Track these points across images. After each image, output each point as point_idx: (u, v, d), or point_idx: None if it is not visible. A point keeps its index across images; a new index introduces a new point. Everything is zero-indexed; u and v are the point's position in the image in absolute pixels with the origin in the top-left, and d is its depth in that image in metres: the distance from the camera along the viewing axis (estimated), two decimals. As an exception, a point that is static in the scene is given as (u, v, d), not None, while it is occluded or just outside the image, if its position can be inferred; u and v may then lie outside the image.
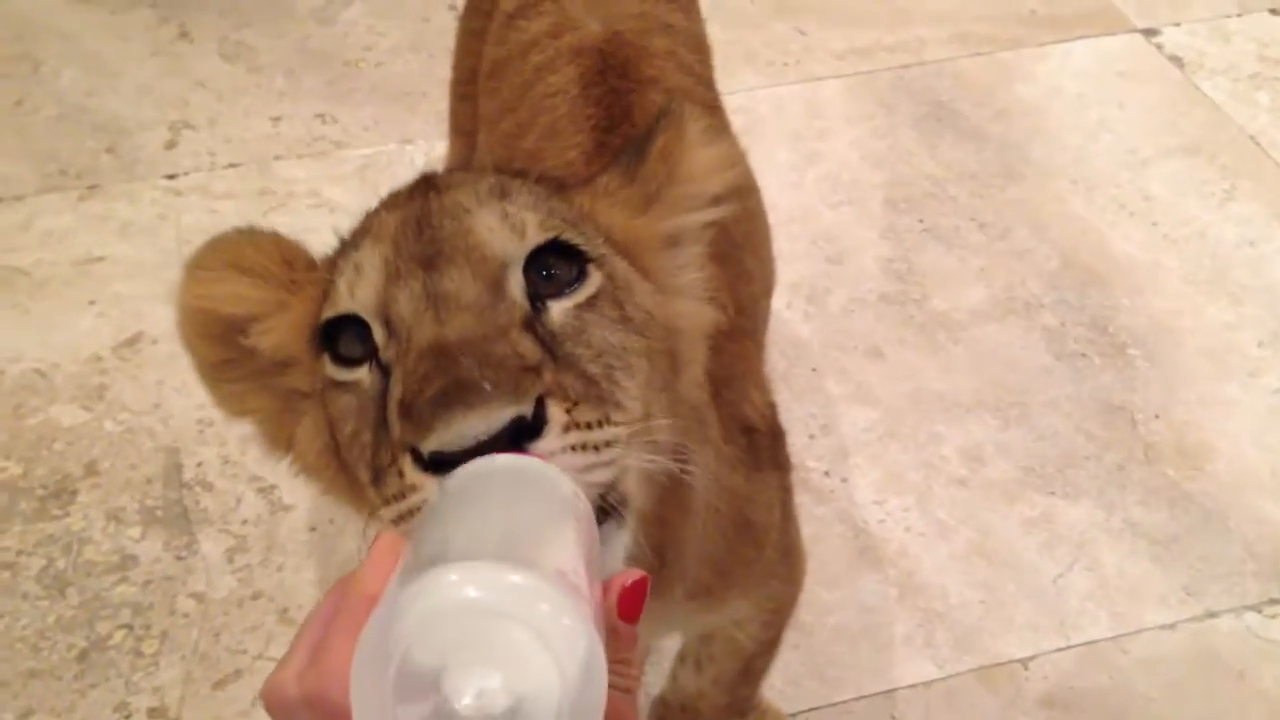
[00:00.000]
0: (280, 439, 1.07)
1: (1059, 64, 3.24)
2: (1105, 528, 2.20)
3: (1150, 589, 2.12)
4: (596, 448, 0.81)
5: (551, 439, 0.79)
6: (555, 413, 0.80)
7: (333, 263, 1.01)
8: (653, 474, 0.95)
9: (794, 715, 1.94)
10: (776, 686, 1.96)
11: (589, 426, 0.81)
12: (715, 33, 3.24)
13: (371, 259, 0.94)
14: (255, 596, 2.08)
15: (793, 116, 3.08)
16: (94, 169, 2.87)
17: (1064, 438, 2.35)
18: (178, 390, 2.38)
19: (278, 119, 3.01)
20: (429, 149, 2.85)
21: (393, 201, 1.01)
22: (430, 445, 0.77)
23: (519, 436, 0.77)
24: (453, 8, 3.26)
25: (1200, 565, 2.15)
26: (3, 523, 2.17)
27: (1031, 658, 2.03)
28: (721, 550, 1.30)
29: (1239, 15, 3.42)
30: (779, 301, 2.58)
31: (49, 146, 2.93)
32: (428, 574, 0.62)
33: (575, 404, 0.82)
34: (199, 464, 2.26)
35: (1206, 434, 2.36)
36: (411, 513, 0.80)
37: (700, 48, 1.80)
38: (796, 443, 2.32)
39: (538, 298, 0.92)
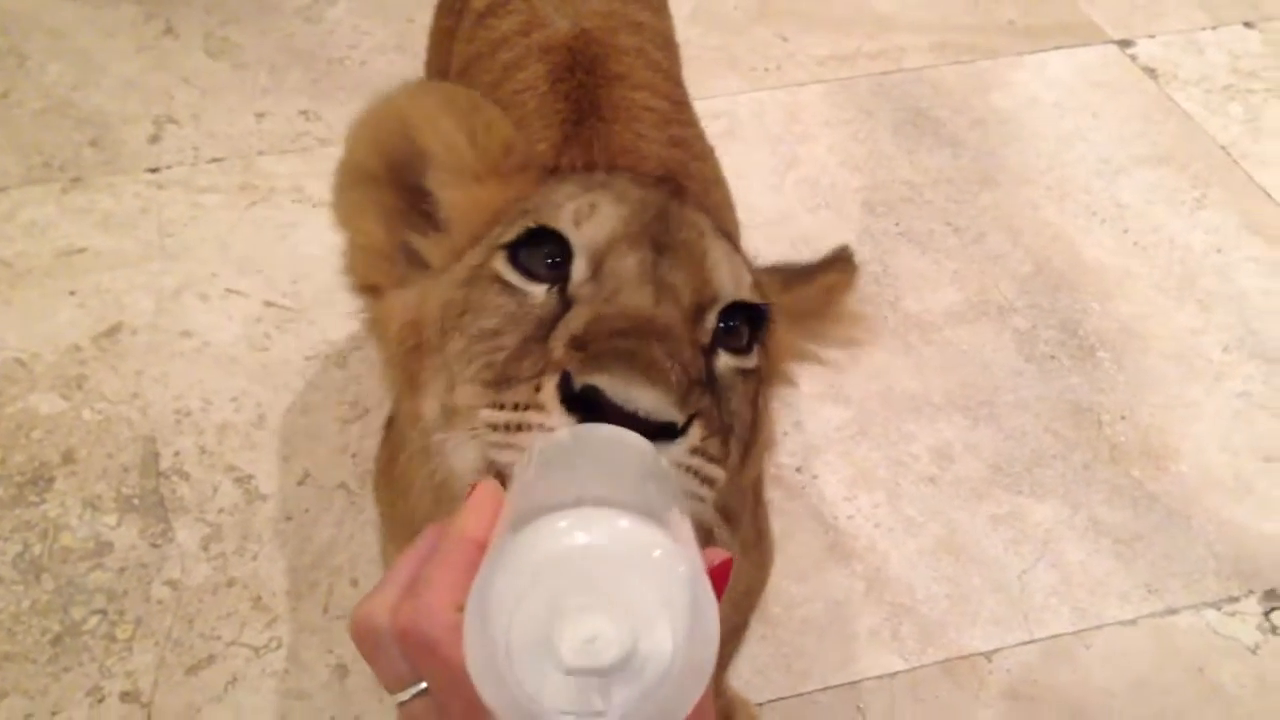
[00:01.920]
0: (363, 275, 1.07)
1: (1035, 73, 3.29)
2: (1070, 525, 2.24)
3: (1113, 585, 2.16)
4: (703, 480, 0.84)
5: (679, 450, 0.81)
6: (694, 431, 0.83)
7: (540, 182, 1.03)
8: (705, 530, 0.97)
9: (761, 705, 1.97)
10: (744, 677, 1.99)
11: (710, 459, 0.84)
12: (697, 37, 3.30)
13: (609, 208, 0.97)
14: (230, 584, 2.10)
15: (773, 121, 3.12)
16: (77, 162, 2.89)
17: (1032, 437, 2.39)
18: (156, 380, 2.40)
19: (261, 115, 3.03)
20: (411, 147, 2.88)
21: (636, 179, 1.05)
22: (596, 381, 0.78)
23: (659, 434, 0.79)
24: (438, 8, 3.29)
25: (1162, 563, 2.19)
26: (-21, 508, 2.18)
27: (995, 651, 2.06)
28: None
29: (1213, 28, 3.47)
30: (754, 301, 2.62)
31: (33, 139, 2.95)
32: (540, 520, 0.61)
33: (710, 435, 0.85)
34: (176, 453, 2.28)
35: (1171, 436, 2.40)
36: (520, 427, 0.81)
37: (668, 45, 1.83)
38: (769, 439, 2.36)
39: (717, 342, 0.96)
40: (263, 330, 2.51)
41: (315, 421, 2.34)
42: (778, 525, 2.20)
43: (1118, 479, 2.32)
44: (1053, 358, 2.54)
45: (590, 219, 0.96)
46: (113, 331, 2.49)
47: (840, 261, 1.18)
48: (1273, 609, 2.13)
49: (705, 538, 1.10)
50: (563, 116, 1.56)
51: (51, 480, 2.24)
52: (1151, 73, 3.30)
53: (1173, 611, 2.13)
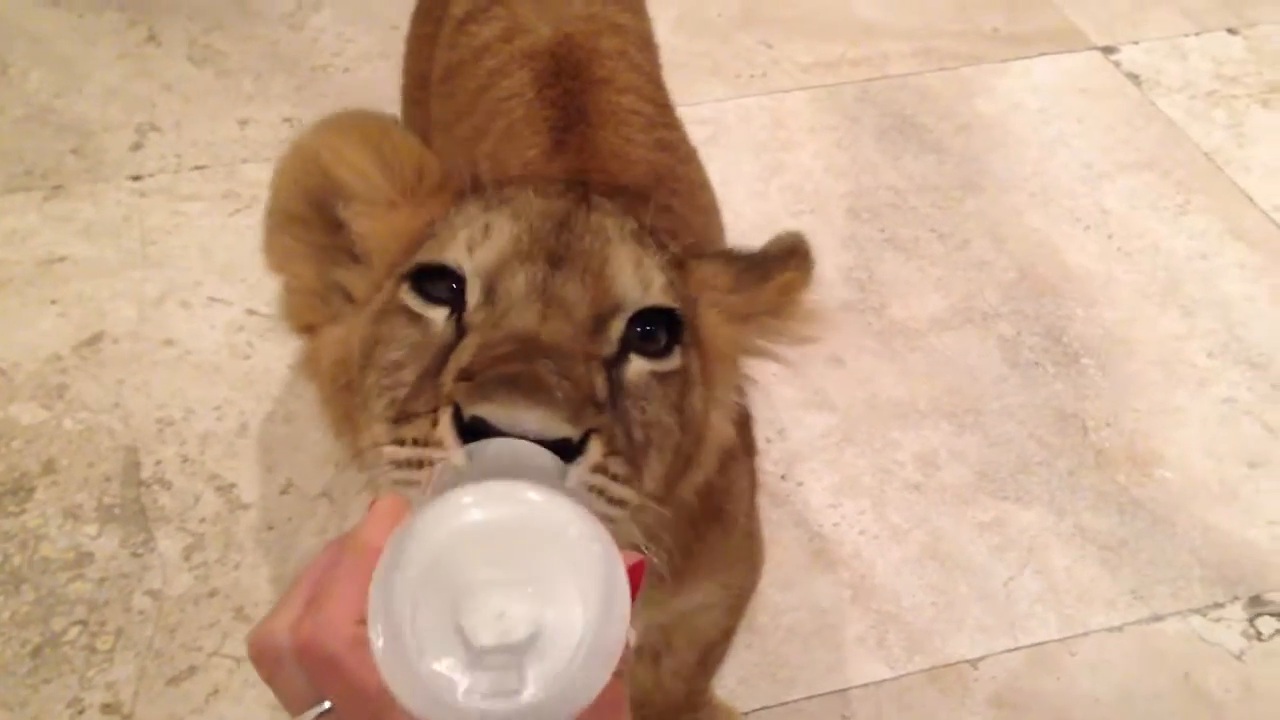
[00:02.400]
0: (298, 316, 1.08)
1: (1020, 80, 3.30)
2: (1056, 532, 2.24)
3: (1098, 592, 2.15)
4: (611, 501, 0.82)
5: (580, 471, 0.80)
6: (594, 450, 0.81)
7: (455, 202, 1.02)
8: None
9: (746, 714, 1.96)
10: (729, 686, 1.98)
11: (614, 478, 0.82)
12: (682, 44, 3.30)
13: (504, 229, 0.95)
14: (211, 594, 2.09)
15: (758, 127, 3.12)
16: (59, 170, 2.87)
17: (1017, 444, 2.39)
18: (138, 390, 2.38)
19: (245, 122, 3.02)
20: (395, 154, 2.87)
21: (543, 189, 1.04)
22: (481, 411, 0.77)
23: (553, 450, 0.78)
24: (422, 15, 3.28)
25: (1148, 570, 2.19)
26: (-42, 519, 2.16)
27: (981, 658, 2.06)
28: (691, 538, 1.32)
29: (1196, 34, 3.48)
30: (739, 308, 2.61)
31: (15, 147, 2.93)
32: (445, 495, 0.60)
33: (612, 453, 0.83)
34: (157, 462, 2.27)
35: (1156, 442, 2.40)
36: (419, 463, 0.80)
37: (649, 46, 1.83)
38: (754, 446, 2.35)
39: (627, 348, 0.95)
40: (245, 339, 2.49)
41: (298, 430, 2.33)
42: (763, 532, 2.20)
43: (1103, 485, 2.32)
44: (1037, 364, 2.54)
45: (484, 242, 0.94)
46: (94, 340, 2.48)
47: (796, 256, 1.16)
48: (1258, 615, 2.13)
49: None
50: (551, 123, 1.56)
51: (32, 490, 2.22)
52: (1135, 79, 3.31)
53: (1158, 618, 2.13)
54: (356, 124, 1.05)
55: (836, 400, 2.45)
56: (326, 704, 0.71)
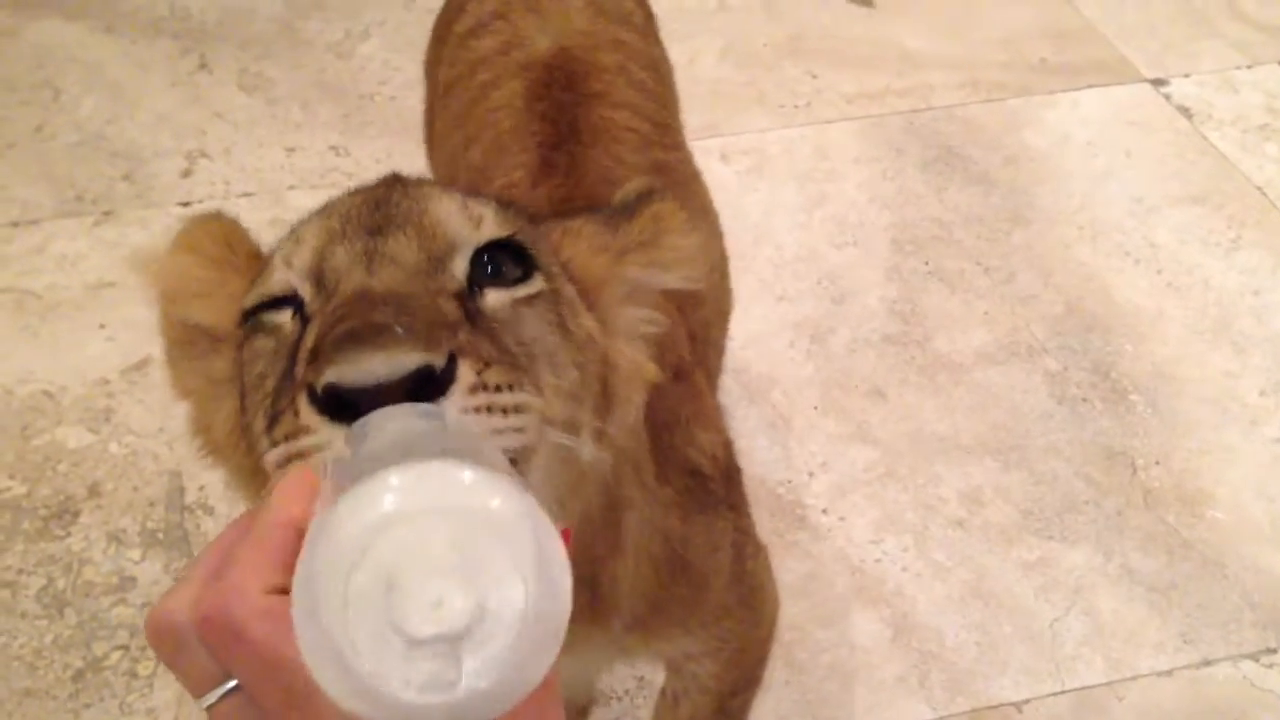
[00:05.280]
0: (204, 424, 1.07)
1: (1068, 112, 3.27)
2: (1103, 573, 2.20)
3: (1147, 635, 2.11)
4: (504, 411, 0.77)
5: (456, 397, 0.75)
6: (465, 372, 0.76)
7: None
8: (566, 463, 0.92)
9: (785, 754, 1.94)
10: (768, 724, 1.96)
11: (498, 389, 0.77)
12: (728, 74, 3.30)
13: (315, 229, 0.93)
14: (251, 621, 2.09)
15: (802, 158, 3.11)
16: (110, 195, 2.92)
17: (1064, 482, 2.35)
18: (183, 415, 2.40)
19: (292, 150, 3.06)
20: (440, 182, 2.89)
21: (356, 189, 1.02)
22: (326, 378, 0.72)
23: (423, 389, 0.73)
24: (468, 45, 3.30)
25: (1198, 613, 2.14)
26: (4, 541, 2.19)
27: (1026, 701, 2.02)
28: (655, 588, 1.29)
29: (1248, 67, 3.44)
30: (781, 340, 2.60)
31: (67, 172, 2.98)
32: (368, 479, 0.57)
33: (487, 366, 0.78)
34: (201, 488, 2.28)
35: (1206, 482, 2.35)
36: (299, 456, 0.76)
37: (655, 66, 1.79)
38: (795, 480, 2.33)
39: (478, 284, 0.91)
40: (289, 365, 2.51)
41: (340, 457, 2.33)
42: (803, 567, 2.18)
43: (1152, 525, 2.28)
44: (1085, 400, 2.50)
45: (297, 249, 0.92)
46: (142, 365, 2.50)
47: (655, 193, 1.12)
48: (1312, 661, 2.08)
49: (565, 466, 1.01)
50: (539, 139, 1.53)
51: (77, 514, 2.24)
52: (1186, 112, 3.27)
53: (1209, 663, 2.08)
54: (174, 240, 1.08)
55: (879, 434, 2.42)
56: (233, 682, 0.66)
